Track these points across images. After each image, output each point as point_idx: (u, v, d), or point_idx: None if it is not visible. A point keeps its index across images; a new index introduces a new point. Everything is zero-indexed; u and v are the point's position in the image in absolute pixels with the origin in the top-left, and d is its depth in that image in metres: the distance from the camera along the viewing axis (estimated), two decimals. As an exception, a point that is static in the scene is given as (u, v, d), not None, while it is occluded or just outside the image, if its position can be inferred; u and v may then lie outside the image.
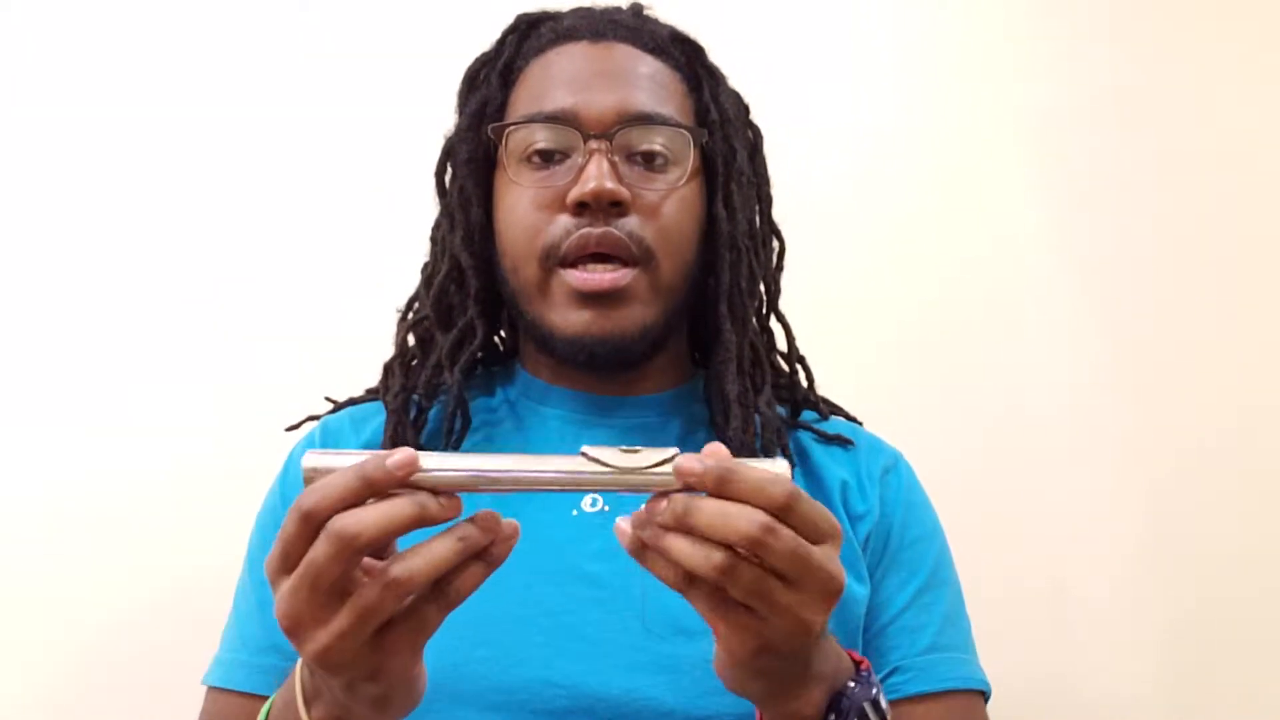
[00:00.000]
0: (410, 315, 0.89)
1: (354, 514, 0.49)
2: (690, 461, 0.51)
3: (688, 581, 0.52)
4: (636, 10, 0.89)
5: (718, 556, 0.50)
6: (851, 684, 0.60)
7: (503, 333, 0.93)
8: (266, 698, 0.73)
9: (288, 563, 0.51)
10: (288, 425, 0.90)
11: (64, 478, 1.20)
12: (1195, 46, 1.40)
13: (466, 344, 0.84)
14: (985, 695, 0.81)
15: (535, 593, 0.73)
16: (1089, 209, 1.36)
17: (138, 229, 1.27)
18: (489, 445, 0.84)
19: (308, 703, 0.57)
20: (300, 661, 0.58)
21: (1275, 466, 1.30)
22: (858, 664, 0.62)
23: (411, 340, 0.88)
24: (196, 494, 1.19)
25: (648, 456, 0.53)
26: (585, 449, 0.53)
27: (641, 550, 0.53)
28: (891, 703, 0.71)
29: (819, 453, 0.85)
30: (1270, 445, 1.31)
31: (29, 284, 1.24)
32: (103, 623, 1.16)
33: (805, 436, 0.86)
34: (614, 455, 0.53)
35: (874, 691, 0.60)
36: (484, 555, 0.52)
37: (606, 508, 0.77)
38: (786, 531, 0.51)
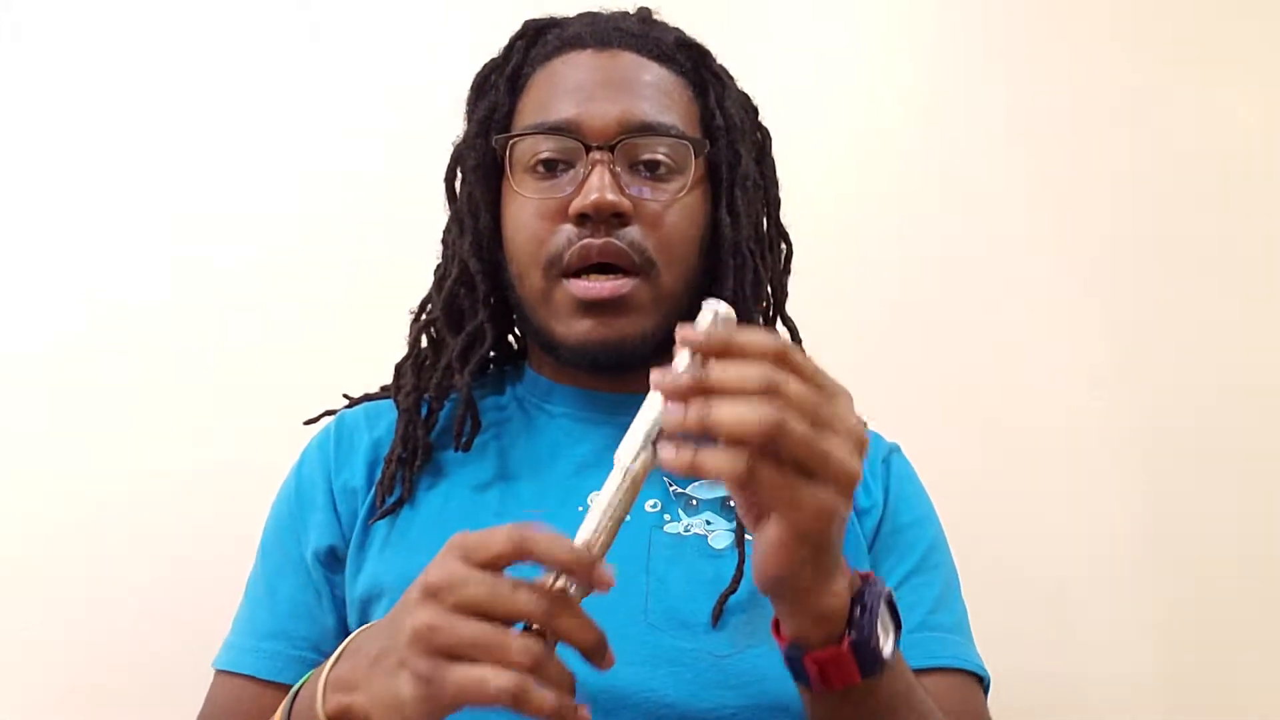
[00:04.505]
0: (423, 316, 0.90)
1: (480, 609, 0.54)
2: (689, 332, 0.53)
3: (755, 457, 0.51)
4: (643, 16, 0.89)
5: (769, 407, 0.50)
6: (867, 581, 0.60)
7: (516, 330, 0.95)
8: (270, 682, 0.77)
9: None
10: (306, 419, 0.93)
11: (66, 480, 1.20)
12: (1195, 47, 1.38)
13: (476, 347, 0.86)
14: (982, 681, 0.81)
15: None
16: (1089, 209, 1.36)
17: (144, 229, 1.27)
18: (498, 441, 0.86)
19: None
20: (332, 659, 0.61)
21: (1275, 466, 1.30)
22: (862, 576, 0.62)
23: (424, 341, 0.89)
24: (204, 495, 1.20)
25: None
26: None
27: (691, 465, 0.52)
28: None
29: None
30: (1270, 444, 1.31)
31: (35, 286, 1.24)
32: (107, 622, 1.17)
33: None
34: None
35: (887, 590, 0.60)
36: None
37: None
38: (806, 363, 0.53)
